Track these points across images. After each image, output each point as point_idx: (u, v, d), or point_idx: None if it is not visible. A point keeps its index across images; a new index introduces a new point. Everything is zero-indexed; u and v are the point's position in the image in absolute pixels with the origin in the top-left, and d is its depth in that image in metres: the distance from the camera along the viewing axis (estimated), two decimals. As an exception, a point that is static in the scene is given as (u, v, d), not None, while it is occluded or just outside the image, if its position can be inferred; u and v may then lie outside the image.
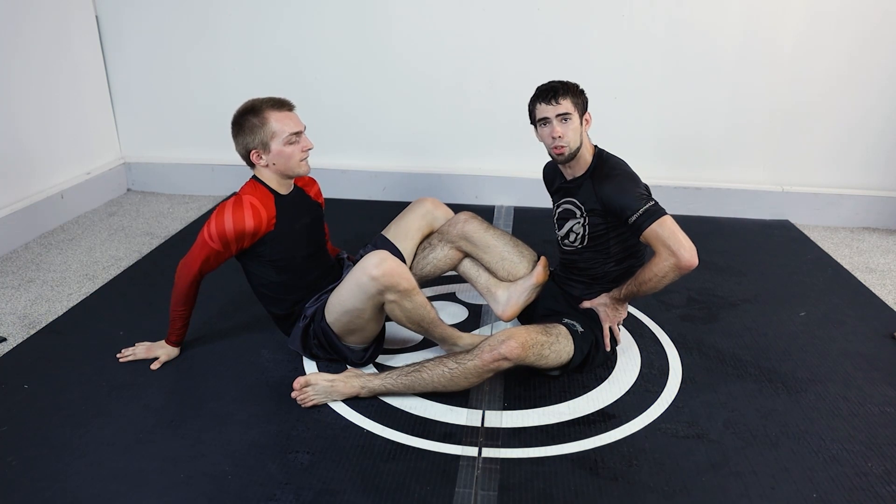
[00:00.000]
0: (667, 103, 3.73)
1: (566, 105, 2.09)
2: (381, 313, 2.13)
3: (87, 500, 1.70)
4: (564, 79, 2.16)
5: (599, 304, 2.25)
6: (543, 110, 2.12)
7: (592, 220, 2.18)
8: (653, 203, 2.04)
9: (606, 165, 2.16)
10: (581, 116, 2.13)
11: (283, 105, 2.13)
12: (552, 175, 2.34)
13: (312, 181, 2.37)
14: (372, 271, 1.99)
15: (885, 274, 3.15)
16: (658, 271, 2.04)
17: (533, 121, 2.19)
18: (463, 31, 3.72)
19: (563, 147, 2.11)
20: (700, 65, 3.64)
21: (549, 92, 2.11)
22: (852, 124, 3.66)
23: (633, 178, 2.13)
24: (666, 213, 2.04)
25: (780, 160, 3.79)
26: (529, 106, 2.18)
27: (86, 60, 3.82)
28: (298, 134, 2.12)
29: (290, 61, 3.85)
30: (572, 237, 2.25)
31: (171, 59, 3.94)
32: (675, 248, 1.99)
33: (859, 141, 3.69)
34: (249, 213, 2.07)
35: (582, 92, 2.15)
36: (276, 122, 2.09)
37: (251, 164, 2.16)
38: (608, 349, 2.23)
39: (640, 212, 2.02)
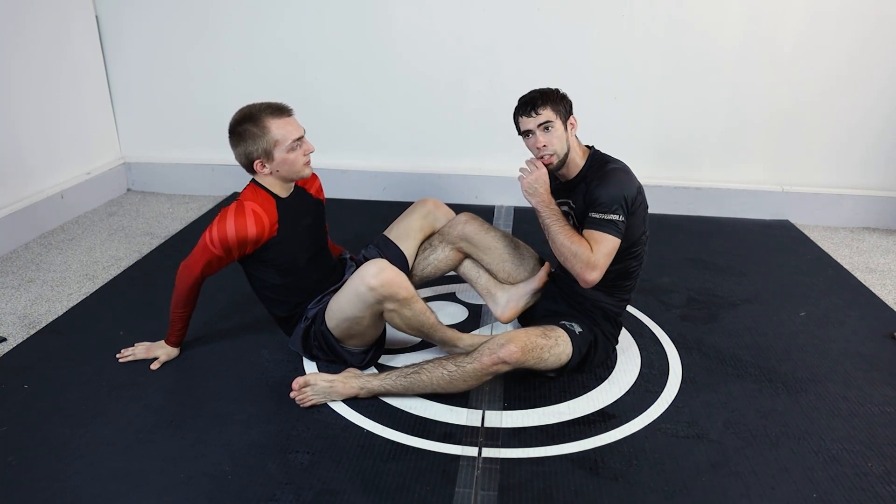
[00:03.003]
0: (667, 103, 3.73)
1: (546, 114, 2.09)
2: (381, 320, 2.12)
3: (87, 500, 1.70)
4: (550, 85, 2.15)
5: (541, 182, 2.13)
6: (525, 122, 2.12)
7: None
8: (619, 218, 2.03)
9: (602, 167, 2.13)
10: (565, 122, 2.12)
11: (281, 111, 2.07)
12: (550, 175, 2.33)
13: (314, 177, 2.31)
14: (370, 281, 1.98)
15: (885, 274, 3.15)
16: (577, 251, 2.01)
17: (519, 132, 2.19)
18: (463, 31, 3.72)
19: (549, 156, 2.12)
20: (700, 65, 3.64)
21: (528, 104, 2.11)
22: (852, 124, 3.66)
23: (627, 180, 2.09)
24: (618, 238, 2.04)
25: (780, 160, 3.79)
26: (514, 118, 2.18)
27: (86, 60, 3.82)
28: (300, 139, 2.08)
29: (290, 61, 3.85)
30: None
31: (171, 59, 3.94)
32: (599, 262, 2.01)
33: (859, 141, 3.69)
34: (252, 220, 2.04)
35: (563, 97, 2.14)
36: (278, 130, 2.04)
37: (252, 172, 2.13)
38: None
39: (606, 217, 2.03)
